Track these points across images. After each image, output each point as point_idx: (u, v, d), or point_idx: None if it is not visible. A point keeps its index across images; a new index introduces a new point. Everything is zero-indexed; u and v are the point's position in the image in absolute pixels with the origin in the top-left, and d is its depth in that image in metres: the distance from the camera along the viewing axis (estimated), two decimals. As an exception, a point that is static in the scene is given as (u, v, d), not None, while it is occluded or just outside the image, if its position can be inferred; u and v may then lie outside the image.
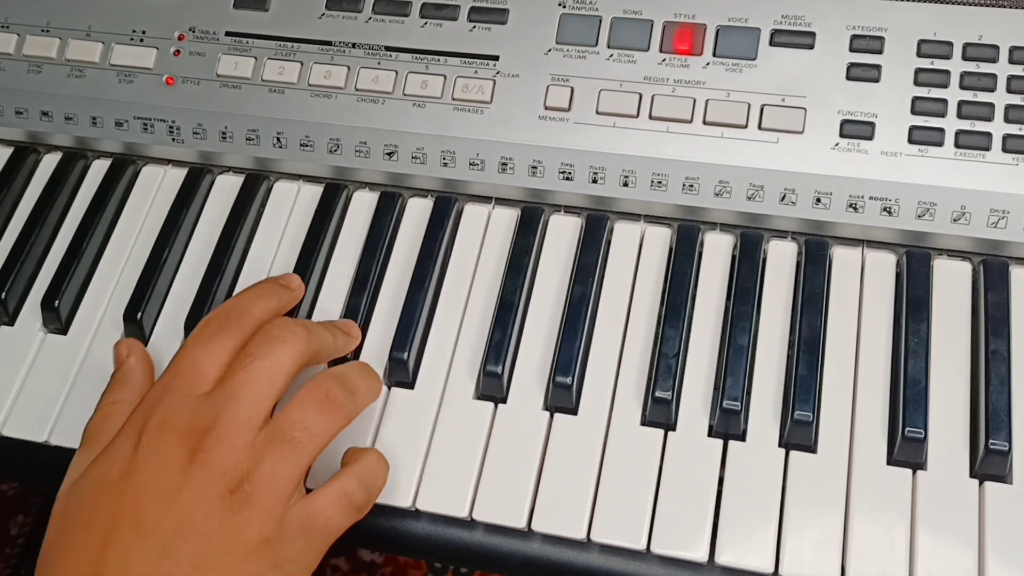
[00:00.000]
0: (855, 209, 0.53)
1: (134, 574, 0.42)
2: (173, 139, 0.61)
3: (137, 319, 0.56)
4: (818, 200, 0.53)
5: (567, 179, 0.56)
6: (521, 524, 0.49)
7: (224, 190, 0.62)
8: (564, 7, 0.57)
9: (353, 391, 0.49)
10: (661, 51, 0.56)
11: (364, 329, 0.55)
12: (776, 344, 0.52)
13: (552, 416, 0.52)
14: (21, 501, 1.20)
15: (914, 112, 0.53)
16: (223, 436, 0.45)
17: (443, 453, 0.51)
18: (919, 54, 0.53)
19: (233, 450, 0.45)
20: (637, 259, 0.56)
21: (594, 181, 0.56)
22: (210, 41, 0.61)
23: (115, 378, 0.52)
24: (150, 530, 0.43)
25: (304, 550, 0.46)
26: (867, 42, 0.54)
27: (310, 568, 0.46)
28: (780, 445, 0.50)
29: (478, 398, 0.53)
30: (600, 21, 0.57)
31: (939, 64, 0.53)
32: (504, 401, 0.52)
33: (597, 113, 0.56)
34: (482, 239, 0.58)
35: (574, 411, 0.52)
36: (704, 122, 0.54)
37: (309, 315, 0.56)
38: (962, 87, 0.53)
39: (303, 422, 0.46)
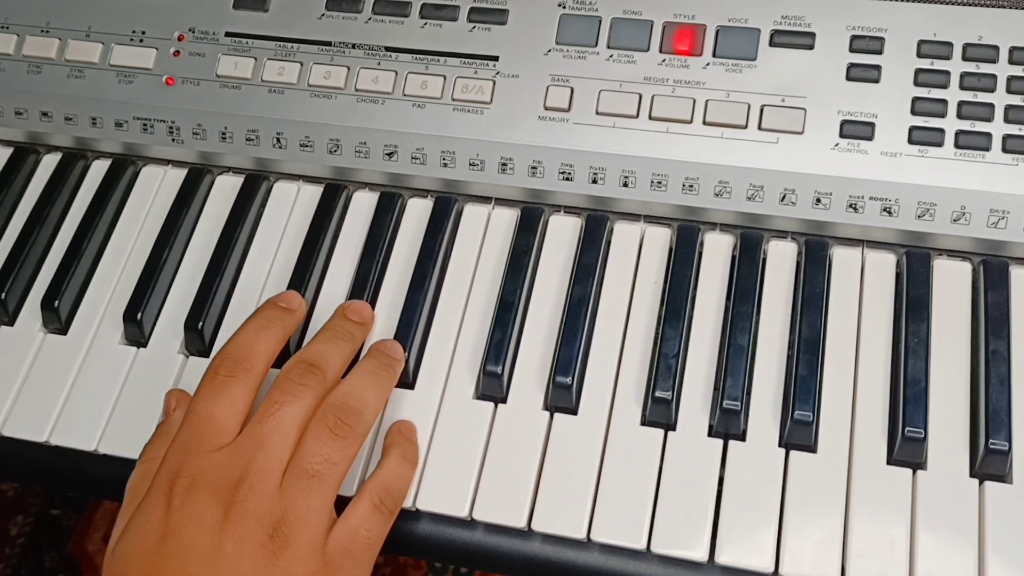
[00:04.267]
0: (855, 209, 0.53)
1: None
2: (173, 139, 0.61)
3: (137, 319, 0.56)
4: (818, 200, 0.53)
5: (567, 179, 0.56)
6: (521, 524, 0.49)
7: (224, 190, 0.62)
8: (564, 7, 0.57)
9: (360, 410, 0.49)
10: (661, 51, 0.56)
11: (364, 329, 0.56)
12: (776, 344, 0.52)
13: (552, 416, 0.52)
14: (21, 501, 1.20)
15: (914, 112, 0.53)
16: (255, 485, 0.45)
17: (443, 453, 0.51)
18: (919, 54, 0.53)
19: (265, 496, 0.45)
20: (637, 259, 0.56)
21: (594, 181, 0.56)
22: (210, 41, 0.61)
23: (159, 431, 0.52)
24: None
25: (352, 569, 0.46)
26: (867, 42, 0.54)
27: None
28: (780, 445, 0.50)
29: (478, 398, 0.53)
30: (600, 21, 0.57)
31: (939, 64, 0.53)
32: (504, 401, 0.52)
33: (597, 113, 0.56)
34: (482, 239, 0.58)
35: (574, 411, 0.52)
36: (704, 122, 0.54)
37: (308, 318, 0.56)
38: (962, 87, 0.53)
39: (322, 455, 0.47)
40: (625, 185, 0.55)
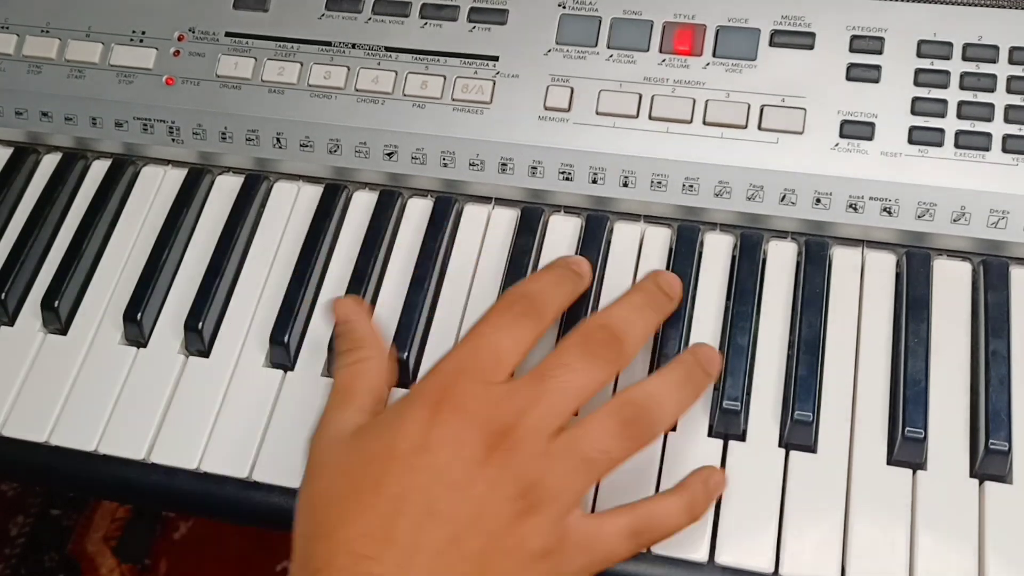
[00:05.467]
0: (855, 209, 0.53)
1: (421, 560, 0.41)
2: (173, 139, 0.61)
3: (137, 319, 0.56)
4: (818, 200, 0.53)
5: (567, 179, 0.56)
6: (521, 524, 0.49)
7: (224, 190, 0.62)
8: (564, 7, 0.57)
9: (659, 419, 0.46)
10: (661, 51, 0.56)
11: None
12: (776, 344, 0.52)
13: (552, 416, 0.52)
14: (21, 501, 1.20)
15: (914, 112, 0.53)
16: (523, 439, 0.43)
17: (443, 453, 0.51)
18: (919, 54, 0.53)
19: (530, 456, 0.43)
20: (637, 259, 0.56)
21: (594, 181, 0.56)
22: (210, 41, 0.61)
23: (349, 336, 0.51)
24: (443, 517, 0.42)
25: (581, 569, 0.44)
26: (867, 42, 0.54)
27: None
28: (780, 445, 0.50)
29: (478, 398, 0.53)
30: (600, 22, 0.57)
31: (939, 64, 0.53)
32: (504, 401, 0.52)
33: (597, 113, 0.56)
34: (482, 239, 0.58)
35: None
36: (704, 122, 0.54)
37: (309, 315, 0.56)
38: (962, 87, 0.53)
39: (604, 444, 0.44)
40: (625, 185, 0.55)
